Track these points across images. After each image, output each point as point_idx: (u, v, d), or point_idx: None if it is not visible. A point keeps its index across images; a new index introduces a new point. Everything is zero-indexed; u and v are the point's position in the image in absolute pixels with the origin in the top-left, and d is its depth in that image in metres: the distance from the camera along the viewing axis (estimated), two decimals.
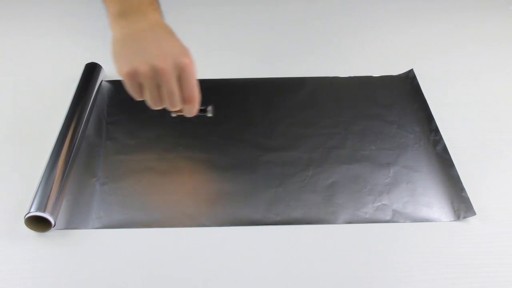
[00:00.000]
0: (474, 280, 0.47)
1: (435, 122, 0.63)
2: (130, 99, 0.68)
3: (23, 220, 0.50)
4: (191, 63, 0.48)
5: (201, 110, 0.55)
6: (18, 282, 0.47)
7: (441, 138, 0.61)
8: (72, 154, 0.57)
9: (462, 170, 0.57)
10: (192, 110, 0.52)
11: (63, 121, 0.60)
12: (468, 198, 0.53)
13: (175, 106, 0.50)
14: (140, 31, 0.50)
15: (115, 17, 0.51)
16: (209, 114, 0.57)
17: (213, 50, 0.77)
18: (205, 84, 0.52)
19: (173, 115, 0.54)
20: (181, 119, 0.55)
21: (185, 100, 0.50)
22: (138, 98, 0.50)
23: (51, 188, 0.52)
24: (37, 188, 0.52)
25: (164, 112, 0.65)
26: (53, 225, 0.50)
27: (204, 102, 0.54)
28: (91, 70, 0.69)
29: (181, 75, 0.48)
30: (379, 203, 0.54)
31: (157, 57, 0.47)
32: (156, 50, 0.48)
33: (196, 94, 0.50)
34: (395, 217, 0.53)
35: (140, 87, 0.49)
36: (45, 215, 0.49)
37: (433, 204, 0.54)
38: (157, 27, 0.51)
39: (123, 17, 0.50)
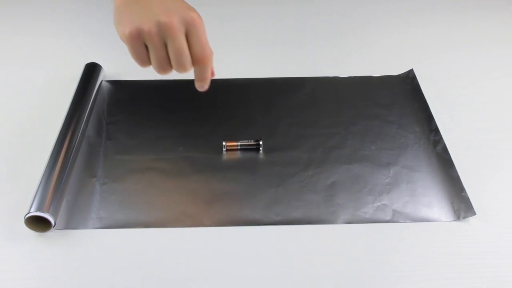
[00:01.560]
0: (474, 280, 0.47)
1: (435, 122, 0.63)
2: (130, 99, 0.69)
3: (23, 220, 0.50)
4: (199, 18, 0.46)
5: (251, 144, 0.58)
6: (18, 282, 0.47)
7: (441, 138, 0.61)
8: (72, 154, 0.57)
9: (462, 170, 0.57)
10: (204, 73, 0.48)
11: (63, 121, 0.60)
12: (468, 198, 0.53)
13: (184, 67, 0.46)
14: None
15: None
16: (260, 148, 0.59)
17: (213, 50, 0.77)
18: None
19: (224, 148, 0.57)
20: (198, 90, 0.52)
21: (196, 59, 0.46)
22: (142, 64, 0.47)
23: (51, 188, 0.52)
24: (37, 188, 0.52)
25: (165, 112, 0.65)
26: (53, 225, 0.50)
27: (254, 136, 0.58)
28: (91, 70, 0.69)
29: (189, 30, 0.45)
30: (379, 203, 0.54)
31: (162, 13, 0.44)
32: (161, 7, 0.45)
33: (207, 51, 0.46)
34: (395, 217, 0.53)
35: (144, 51, 0.46)
36: (45, 215, 0.49)
37: (433, 204, 0.54)
38: None
39: None
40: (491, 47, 0.79)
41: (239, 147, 0.59)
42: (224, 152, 0.59)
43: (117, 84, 0.71)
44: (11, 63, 0.76)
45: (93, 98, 0.66)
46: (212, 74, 0.51)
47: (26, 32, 0.82)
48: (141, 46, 0.45)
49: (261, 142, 0.59)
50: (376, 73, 0.73)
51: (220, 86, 0.70)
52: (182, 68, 0.46)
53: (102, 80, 0.70)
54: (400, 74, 0.72)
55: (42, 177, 0.53)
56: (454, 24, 0.85)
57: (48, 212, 0.49)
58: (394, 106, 0.67)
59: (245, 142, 0.59)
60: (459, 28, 0.83)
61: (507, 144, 0.61)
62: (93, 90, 0.67)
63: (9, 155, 0.60)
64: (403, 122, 0.64)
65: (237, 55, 0.77)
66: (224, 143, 0.59)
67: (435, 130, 0.62)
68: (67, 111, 0.62)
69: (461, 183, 0.55)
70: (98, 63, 0.71)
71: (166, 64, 0.46)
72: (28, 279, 0.47)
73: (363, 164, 0.59)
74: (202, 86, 0.50)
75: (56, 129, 0.59)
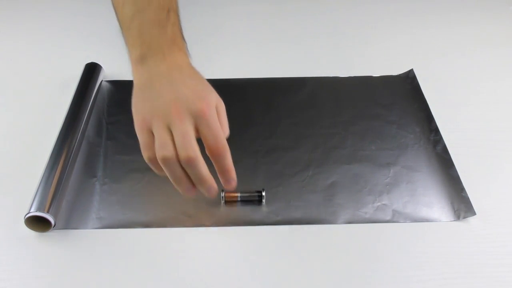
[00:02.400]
0: (474, 280, 0.47)
1: (435, 122, 0.63)
2: (130, 99, 0.68)
3: (23, 220, 0.50)
4: (208, 107, 0.43)
5: (253, 196, 0.53)
6: (18, 282, 0.47)
7: (441, 138, 0.61)
8: (72, 154, 0.57)
9: (462, 170, 0.57)
10: (222, 165, 0.45)
11: (63, 121, 0.60)
12: (468, 198, 0.53)
13: (187, 155, 0.42)
14: (156, 76, 0.46)
15: (135, 63, 0.47)
16: (263, 200, 0.53)
17: (213, 50, 0.77)
18: None
19: (222, 198, 0.52)
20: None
21: (210, 150, 0.43)
22: (146, 157, 0.44)
23: (51, 188, 0.52)
24: (37, 188, 0.52)
25: None
26: (53, 225, 0.50)
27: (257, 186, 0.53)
28: (91, 70, 0.69)
29: (198, 121, 0.43)
30: (379, 203, 0.54)
31: (169, 102, 0.43)
32: (169, 95, 0.44)
33: (222, 141, 0.43)
34: (395, 217, 0.53)
35: (152, 140, 0.43)
36: (45, 215, 0.49)
37: (433, 204, 0.54)
38: (175, 70, 0.46)
39: (142, 62, 0.47)
40: (491, 47, 0.79)
41: (239, 199, 0.54)
42: (223, 203, 0.54)
43: (117, 84, 0.71)
44: (11, 63, 0.76)
45: (93, 98, 0.66)
46: (233, 181, 0.46)
47: (26, 32, 0.83)
48: (149, 135, 0.44)
49: (263, 193, 0.53)
50: (376, 73, 0.73)
51: (220, 86, 0.69)
52: (186, 156, 0.42)
53: (102, 80, 0.70)
54: (400, 74, 0.72)
55: (42, 177, 0.53)
56: (454, 24, 0.85)
57: (48, 212, 0.49)
58: (394, 106, 0.67)
59: (246, 194, 0.54)
60: (459, 28, 0.83)
61: (507, 144, 0.61)
62: (93, 90, 0.67)
63: (9, 155, 0.60)
64: (403, 122, 0.64)
65: (237, 55, 0.77)
66: (222, 194, 0.53)
67: (435, 130, 0.62)
68: (67, 111, 0.62)
69: (461, 183, 0.55)
70: (98, 63, 0.71)
71: (168, 145, 0.42)
72: (28, 279, 0.47)
73: (363, 164, 0.58)
74: (228, 181, 0.46)
75: (56, 129, 0.59)
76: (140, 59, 0.47)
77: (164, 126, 0.43)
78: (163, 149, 0.43)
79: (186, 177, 0.45)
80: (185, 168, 0.44)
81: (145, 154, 0.45)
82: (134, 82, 0.47)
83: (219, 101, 0.46)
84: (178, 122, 0.42)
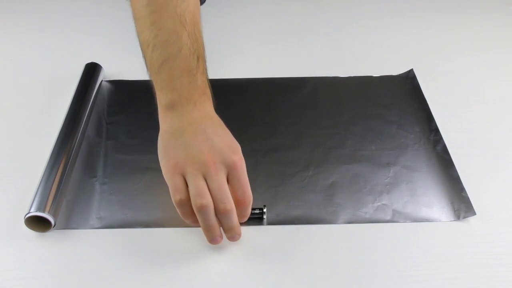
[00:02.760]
0: (474, 280, 0.47)
1: (435, 122, 0.63)
2: (130, 99, 0.69)
3: (23, 220, 0.50)
4: (241, 160, 0.45)
5: (254, 213, 0.51)
6: (18, 282, 0.47)
7: (441, 138, 0.61)
8: (72, 154, 0.57)
9: (462, 170, 0.57)
10: (244, 213, 0.48)
11: (63, 121, 0.60)
12: (468, 198, 0.53)
13: (224, 206, 0.44)
14: (188, 125, 0.47)
15: (164, 108, 0.48)
16: (264, 217, 0.52)
17: (213, 50, 0.77)
18: None
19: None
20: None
21: (237, 201, 0.45)
22: (178, 200, 0.45)
23: (51, 188, 0.52)
24: (37, 188, 0.52)
25: None
26: (53, 225, 0.50)
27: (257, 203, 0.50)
28: (91, 70, 0.69)
29: (230, 173, 0.45)
30: (379, 203, 0.54)
31: (204, 152, 0.44)
32: (204, 144, 0.45)
33: (249, 194, 0.46)
34: (395, 217, 0.53)
35: (185, 186, 0.45)
36: (45, 215, 0.49)
37: (433, 204, 0.54)
38: (207, 120, 0.47)
39: (172, 108, 0.47)
40: (491, 47, 0.79)
41: None
42: None
43: (117, 84, 0.71)
44: (11, 63, 0.76)
45: (93, 98, 0.66)
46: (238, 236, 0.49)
47: (26, 32, 0.83)
48: (181, 181, 0.45)
49: (265, 210, 0.52)
50: (376, 73, 0.73)
51: (220, 86, 0.70)
52: (223, 206, 0.44)
53: (102, 80, 0.70)
54: (400, 74, 0.72)
55: (42, 177, 0.53)
56: (454, 24, 0.85)
57: (48, 212, 0.49)
58: (394, 106, 0.67)
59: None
60: (459, 28, 0.83)
61: (507, 144, 0.61)
62: (93, 90, 0.67)
63: (9, 155, 0.60)
64: (403, 122, 0.64)
65: (237, 55, 0.77)
66: None
67: (435, 130, 0.62)
68: (67, 111, 0.62)
69: (461, 183, 0.55)
70: (98, 63, 0.71)
71: (204, 193, 0.44)
72: (28, 279, 0.47)
73: (363, 164, 0.58)
74: (232, 237, 0.48)
75: (56, 129, 0.59)
76: (170, 104, 0.48)
77: (200, 174, 0.44)
78: (201, 197, 0.44)
79: (218, 226, 0.47)
80: (220, 218, 0.46)
81: (176, 197, 0.45)
82: (162, 127, 0.48)
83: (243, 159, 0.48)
84: (214, 173, 0.44)
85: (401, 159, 0.59)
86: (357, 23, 0.86)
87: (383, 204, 0.54)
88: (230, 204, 0.45)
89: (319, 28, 0.84)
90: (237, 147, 0.47)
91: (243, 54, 0.78)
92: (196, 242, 0.50)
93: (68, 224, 0.52)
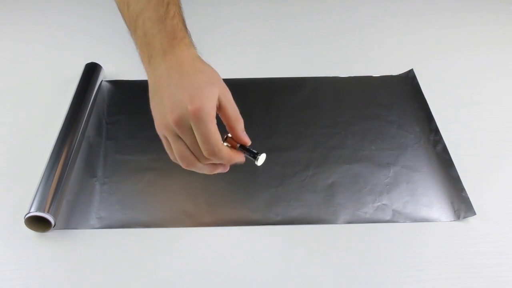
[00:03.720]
0: (474, 280, 0.47)
1: (435, 122, 0.63)
2: (130, 99, 0.69)
3: (23, 220, 0.50)
4: (199, 109, 0.42)
5: (252, 154, 0.48)
6: (18, 282, 0.47)
7: (441, 138, 0.61)
8: (72, 154, 0.57)
9: (462, 170, 0.57)
10: (221, 162, 0.45)
11: (63, 121, 0.60)
12: (468, 198, 0.53)
13: (189, 163, 0.45)
14: (158, 79, 0.46)
15: (146, 65, 0.47)
16: (257, 163, 0.48)
17: (213, 50, 0.77)
18: None
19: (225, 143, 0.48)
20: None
21: (206, 153, 0.44)
22: (172, 157, 0.46)
23: (51, 188, 0.52)
24: (37, 188, 0.52)
25: None
26: (53, 225, 0.50)
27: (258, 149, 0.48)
28: (91, 70, 0.69)
29: (193, 125, 0.43)
30: (379, 203, 0.54)
31: (168, 112, 0.43)
32: (168, 102, 0.44)
33: (212, 144, 0.43)
34: (395, 217, 0.53)
35: (169, 145, 0.45)
36: (45, 215, 0.49)
37: (433, 204, 0.54)
38: (173, 69, 0.45)
39: (149, 64, 0.47)
40: (491, 47, 0.79)
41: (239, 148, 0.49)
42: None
43: (117, 84, 0.71)
44: (11, 63, 0.76)
45: (93, 98, 0.66)
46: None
47: (26, 32, 0.82)
48: (165, 140, 0.46)
49: (258, 157, 0.48)
50: (376, 73, 0.73)
51: None
52: (188, 164, 0.45)
53: (102, 80, 0.70)
54: (400, 74, 0.72)
55: (42, 177, 0.53)
56: (454, 24, 0.85)
57: (48, 212, 0.49)
58: (394, 106, 0.67)
59: (245, 150, 0.49)
60: (459, 28, 0.83)
61: (507, 144, 0.61)
62: (93, 90, 0.67)
63: (9, 155, 0.60)
64: (403, 122, 0.64)
65: (237, 54, 0.77)
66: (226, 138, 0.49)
67: (435, 130, 0.62)
68: (67, 111, 0.62)
69: (461, 183, 0.55)
70: (98, 63, 0.71)
71: (184, 157, 0.45)
72: (28, 279, 0.47)
73: (363, 164, 0.58)
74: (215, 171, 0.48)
75: (56, 129, 0.59)
76: (148, 60, 0.47)
77: (173, 136, 0.44)
78: (183, 160, 0.45)
79: (217, 166, 0.47)
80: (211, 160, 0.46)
81: (170, 156, 0.46)
82: (148, 84, 0.47)
83: (222, 92, 0.46)
84: (181, 133, 0.44)
85: (401, 159, 0.59)
86: (357, 23, 0.85)
87: (383, 204, 0.54)
88: (212, 150, 0.44)
89: (319, 28, 0.84)
90: (201, 93, 0.44)
91: (243, 54, 0.78)
92: (196, 242, 0.50)
93: (68, 224, 0.52)
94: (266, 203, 0.54)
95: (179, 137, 0.44)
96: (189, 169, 0.46)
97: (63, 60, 0.76)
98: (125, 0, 0.49)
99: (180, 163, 0.45)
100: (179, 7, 0.50)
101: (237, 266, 0.48)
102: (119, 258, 0.49)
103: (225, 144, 0.48)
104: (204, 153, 0.44)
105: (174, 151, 0.45)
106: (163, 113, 0.44)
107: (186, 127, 0.43)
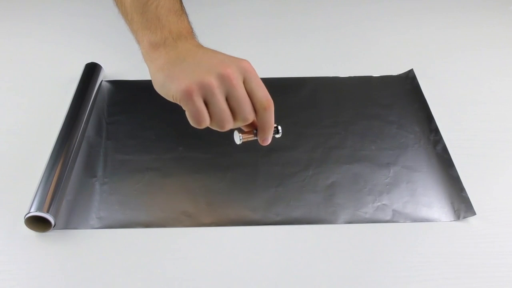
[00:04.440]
0: (474, 280, 0.47)
1: (435, 122, 0.63)
2: (130, 99, 0.69)
3: (23, 220, 0.50)
4: (251, 65, 0.45)
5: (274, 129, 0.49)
6: (18, 282, 0.47)
7: (441, 138, 0.61)
8: (72, 154, 0.57)
9: (462, 170, 0.57)
10: (270, 119, 0.46)
11: (63, 121, 0.60)
12: (468, 198, 0.53)
13: (249, 114, 0.44)
14: (186, 51, 0.46)
15: (154, 45, 0.47)
16: (278, 135, 0.49)
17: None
18: None
19: (240, 139, 0.48)
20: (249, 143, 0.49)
21: (261, 103, 0.44)
22: (201, 123, 0.43)
23: (51, 188, 0.52)
24: (37, 188, 0.52)
25: (165, 112, 0.65)
26: (53, 225, 0.50)
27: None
28: (91, 70, 0.69)
29: (247, 77, 0.44)
30: (379, 203, 0.54)
31: (218, 65, 0.43)
32: (214, 59, 0.44)
33: (269, 96, 0.45)
34: (395, 217, 0.53)
35: (204, 106, 0.43)
36: (45, 215, 0.49)
37: (433, 204, 0.54)
38: (202, 47, 0.47)
39: (164, 44, 0.47)
40: (491, 47, 0.79)
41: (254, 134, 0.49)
42: (240, 143, 0.49)
43: (117, 84, 0.71)
44: (11, 63, 0.76)
45: (93, 98, 0.66)
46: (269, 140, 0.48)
47: (26, 32, 0.82)
48: (201, 101, 0.43)
49: (279, 127, 0.49)
50: (376, 73, 0.73)
51: None
52: (246, 116, 0.44)
53: (102, 80, 0.70)
54: (400, 74, 0.72)
55: (42, 177, 0.53)
56: (454, 24, 0.85)
57: (48, 212, 0.49)
58: (394, 106, 0.67)
59: None
60: (459, 28, 0.83)
61: (507, 144, 0.61)
62: (93, 90, 0.67)
63: (9, 155, 0.60)
64: (403, 122, 0.64)
65: (236, 54, 0.77)
66: (240, 137, 0.48)
67: (435, 130, 0.62)
68: (67, 111, 0.62)
69: (461, 183, 0.55)
70: (98, 63, 0.71)
71: (229, 117, 0.44)
72: (28, 279, 0.47)
73: (363, 164, 0.59)
74: (266, 139, 0.48)
75: (56, 129, 0.59)
76: (161, 41, 0.47)
77: (221, 92, 0.43)
78: (225, 120, 0.44)
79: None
80: (241, 128, 0.46)
81: (201, 124, 0.44)
82: (157, 62, 0.46)
83: None
84: (235, 83, 0.43)
85: (401, 159, 0.59)
86: (357, 23, 0.85)
87: (383, 204, 0.54)
88: (252, 114, 0.45)
89: (319, 28, 0.84)
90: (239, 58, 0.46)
91: (243, 54, 0.77)
92: (196, 242, 0.50)
93: (68, 224, 0.52)
94: (266, 203, 0.54)
95: (222, 93, 0.43)
96: (222, 130, 0.45)
97: (63, 60, 0.76)
98: None
99: (220, 121, 0.44)
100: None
101: (237, 266, 0.48)
102: (119, 258, 0.49)
103: (241, 136, 0.48)
104: (263, 100, 0.44)
105: (218, 108, 0.43)
106: (205, 70, 0.43)
107: (239, 79, 0.43)
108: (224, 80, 0.42)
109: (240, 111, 0.44)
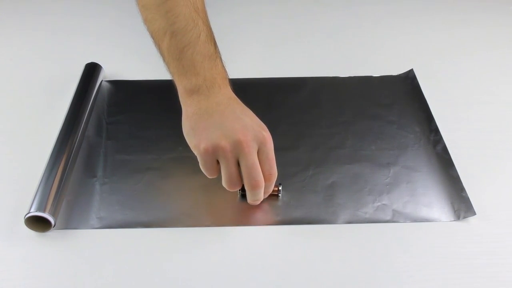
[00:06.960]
0: (474, 280, 0.47)
1: (435, 122, 0.63)
2: (130, 99, 0.69)
3: (23, 220, 0.50)
4: (270, 137, 0.48)
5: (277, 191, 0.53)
6: (18, 282, 0.47)
7: (441, 138, 0.61)
8: (72, 154, 0.57)
9: (462, 170, 0.57)
10: (268, 189, 0.50)
11: (63, 121, 0.60)
12: (468, 198, 0.53)
13: (258, 182, 0.48)
14: (216, 105, 0.49)
15: (189, 92, 0.50)
16: (279, 194, 0.54)
17: None
18: None
19: (238, 194, 0.53)
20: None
21: (265, 176, 0.48)
22: (209, 176, 0.49)
23: (51, 188, 0.52)
24: (37, 188, 0.52)
25: (165, 112, 0.65)
26: (53, 225, 0.50)
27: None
28: (91, 70, 0.69)
29: (261, 148, 0.47)
30: (379, 203, 0.54)
31: (237, 130, 0.46)
32: (236, 124, 0.47)
33: (275, 170, 0.49)
34: (395, 217, 0.53)
35: (216, 165, 0.48)
36: (45, 215, 0.49)
37: (433, 204, 0.54)
38: (233, 101, 0.50)
39: (198, 91, 0.49)
40: (491, 47, 0.79)
41: None
42: (239, 198, 0.54)
43: (117, 84, 0.71)
44: (11, 63, 0.76)
45: (93, 98, 0.66)
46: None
47: (26, 32, 0.83)
48: (214, 161, 0.48)
49: (280, 188, 0.54)
50: (376, 73, 0.73)
51: None
52: (255, 183, 0.48)
53: (102, 80, 0.70)
54: (400, 74, 0.72)
55: (42, 177, 0.53)
56: (454, 24, 0.85)
57: (48, 212, 0.49)
58: (394, 106, 0.67)
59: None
60: (459, 28, 0.83)
61: (507, 144, 0.61)
62: (93, 90, 0.67)
63: (9, 155, 0.60)
64: (403, 122, 0.64)
65: (237, 55, 0.77)
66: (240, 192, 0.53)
67: (435, 130, 0.62)
68: (67, 111, 0.62)
69: (461, 183, 0.55)
70: (98, 63, 0.71)
71: (237, 180, 0.48)
72: (28, 279, 0.47)
73: (363, 164, 0.58)
74: (258, 201, 0.52)
75: (56, 129, 0.59)
76: (196, 89, 0.49)
77: (233, 158, 0.47)
78: (232, 184, 0.49)
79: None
80: (248, 191, 0.49)
81: (208, 174, 0.50)
82: (188, 109, 0.50)
83: None
84: (247, 152, 0.46)
85: (401, 159, 0.59)
86: (357, 23, 0.86)
87: (383, 204, 0.54)
88: (261, 181, 0.48)
89: (319, 28, 0.84)
90: (264, 125, 0.50)
91: (243, 54, 0.78)
92: (196, 242, 0.50)
93: (68, 224, 0.52)
94: (266, 203, 0.54)
95: (237, 162, 0.47)
96: (229, 190, 0.49)
97: (63, 60, 0.76)
98: (167, 29, 0.50)
99: (227, 183, 0.49)
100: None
101: (237, 266, 0.48)
102: (119, 258, 0.49)
103: (240, 194, 0.53)
104: (270, 172, 0.48)
105: (227, 171, 0.47)
106: (227, 133, 0.46)
107: (253, 148, 0.47)
108: (238, 146, 0.46)
109: (248, 176, 0.47)
